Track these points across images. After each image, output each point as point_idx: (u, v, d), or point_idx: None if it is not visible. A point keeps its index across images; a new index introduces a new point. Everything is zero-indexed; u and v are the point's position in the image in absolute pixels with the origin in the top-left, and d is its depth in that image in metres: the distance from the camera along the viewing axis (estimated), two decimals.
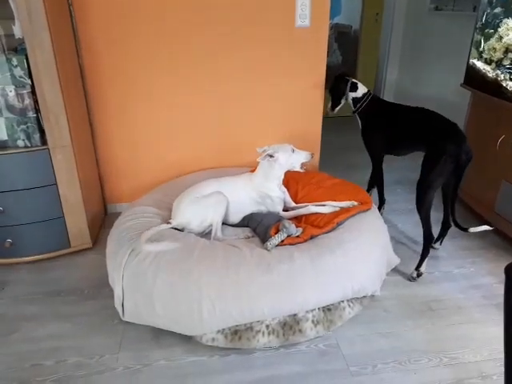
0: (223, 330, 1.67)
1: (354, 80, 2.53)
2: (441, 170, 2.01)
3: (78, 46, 2.37)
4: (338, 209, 2.10)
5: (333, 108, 2.61)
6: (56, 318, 1.89)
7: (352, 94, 2.50)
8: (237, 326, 1.67)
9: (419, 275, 2.15)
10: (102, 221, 2.70)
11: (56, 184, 2.16)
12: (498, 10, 2.43)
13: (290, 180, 2.44)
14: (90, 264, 2.28)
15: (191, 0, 2.37)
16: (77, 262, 2.30)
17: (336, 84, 2.55)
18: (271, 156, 2.07)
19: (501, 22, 2.39)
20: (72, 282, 2.13)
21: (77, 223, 2.29)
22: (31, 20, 1.86)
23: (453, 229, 2.61)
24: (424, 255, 2.15)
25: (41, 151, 2.08)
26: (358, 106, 2.48)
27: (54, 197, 2.18)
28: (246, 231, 2.10)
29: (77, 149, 2.20)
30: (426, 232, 2.15)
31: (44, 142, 2.08)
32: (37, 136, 2.07)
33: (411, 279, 2.15)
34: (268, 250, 1.78)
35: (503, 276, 2.24)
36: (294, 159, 2.14)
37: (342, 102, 2.57)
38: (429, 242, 2.15)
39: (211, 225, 2.03)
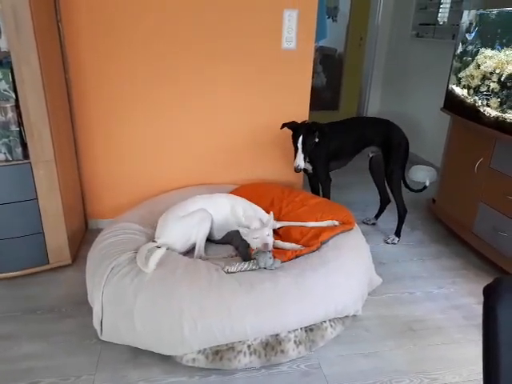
0: (204, 349, 1.64)
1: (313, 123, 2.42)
2: (403, 154, 2.56)
3: (65, 60, 2.38)
4: (324, 224, 2.13)
5: (305, 160, 2.39)
6: (32, 337, 1.83)
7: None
8: (218, 346, 1.65)
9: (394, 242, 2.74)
10: (82, 237, 2.66)
11: (37, 199, 2.12)
12: (475, 39, 2.54)
13: (275, 198, 2.46)
14: (68, 281, 2.23)
15: (181, 17, 2.41)
16: (55, 278, 2.25)
17: (309, 135, 2.37)
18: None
19: (478, 50, 2.49)
20: (50, 300, 2.07)
21: (56, 239, 2.25)
22: (18, 34, 1.86)
23: (435, 249, 2.68)
24: (401, 225, 2.74)
25: (22, 165, 2.05)
26: (315, 142, 2.42)
27: (33, 212, 2.14)
28: (230, 250, 2.10)
29: (59, 163, 2.18)
30: (401, 208, 2.68)
31: (26, 156, 2.06)
32: (19, 150, 2.04)
33: (388, 242, 2.72)
34: (225, 272, 1.75)
35: (482, 296, 2.26)
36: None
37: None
38: (404, 213, 2.70)
39: (195, 243, 2.02)
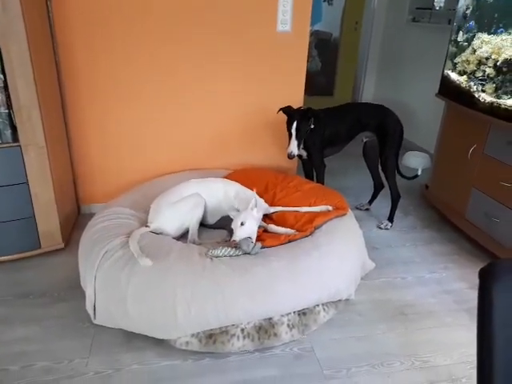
0: (198, 333, 1.65)
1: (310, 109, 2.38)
2: (398, 139, 2.56)
3: (55, 42, 2.32)
4: (318, 210, 2.13)
5: (299, 147, 2.37)
6: (25, 321, 1.82)
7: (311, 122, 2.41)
8: (211, 329, 1.65)
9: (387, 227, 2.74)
10: (74, 221, 2.64)
11: (27, 182, 2.09)
12: (471, 24, 2.51)
13: (269, 184, 2.45)
14: (61, 265, 2.21)
15: (174, 4, 2.36)
16: (48, 263, 2.23)
17: (303, 121, 2.34)
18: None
19: (474, 35, 2.47)
20: (42, 284, 2.06)
21: (48, 223, 2.23)
22: (5, 12, 1.80)
23: (428, 234, 2.70)
24: (394, 210, 2.75)
25: (12, 148, 2.01)
26: (310, 128, 2.40)
27: (24, 196, 2.11)
28: (223, 234, 2.09)
29: (50, 147, 2.14)
30: (395, 193, 2.68)
31: (16, 139, 2.02)
32: (8, 132, 2.00)
33: (381, 228, 2.73)
34: (209, 258, 1.73)
35: (474, 281, 2.31)
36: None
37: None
38: (397, 199, 2.71)
39: (188, 227, 2.01)
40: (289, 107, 2.40)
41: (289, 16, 2.51)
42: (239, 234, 1.78)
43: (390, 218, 2.76)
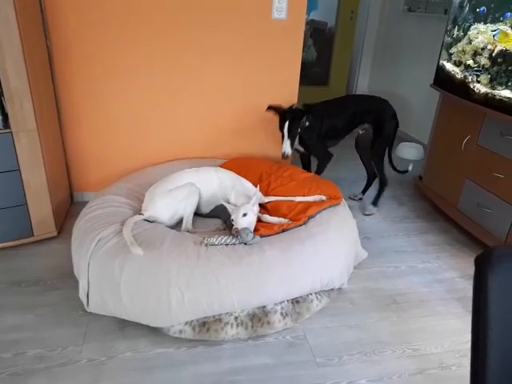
0: (191, 321, 1.65)
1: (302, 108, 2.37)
2: (391, 134, 2.61)
3: (46, 26, 2.27)
4: (311, 199, 2.13)
5: (292, 146, 2.36)
6: (17, 309, 1.81)
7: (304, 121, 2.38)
8: (205, 317, 1.66)
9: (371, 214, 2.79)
10: (67, 209, 2.62)
11: (19, 169, 2.06)
12: (468, 14, 2.50)
13: (264, 173, 2.45)
14: (54, 253, 2.20)
15: None
16: (40, 251, 2.22)
17: (295, 121, 2.32)
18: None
19: (470, 25, 2.46)
20: (35, 272, 2.05)
21: (41, 211, 2.21)
22: None
23: (420, 224, 2.71)
24: (380, 195, 2.79)
25: (3, 135, 1.98)
26: (304, 126, 2.39)
27: (16, 183, 2.08)
28: (218, 223, 2.09)
29: (42, 134, 2.11)
30: (383, 177, 2.71)
31: (7, 125, 1.98)
32: None
33: (367, 214, 2.77)
34: (205, 246, 1.73)
35: (466, 271, 2.33)
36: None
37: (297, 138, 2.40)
38: (384, 185, 2.75)
39: (182, 216, 2.01)
40: (279, 107, 2.36)
41: (285, 3, 2.48)
42: (241, 223, 1.79)
43: (375, 202, 2.78)
